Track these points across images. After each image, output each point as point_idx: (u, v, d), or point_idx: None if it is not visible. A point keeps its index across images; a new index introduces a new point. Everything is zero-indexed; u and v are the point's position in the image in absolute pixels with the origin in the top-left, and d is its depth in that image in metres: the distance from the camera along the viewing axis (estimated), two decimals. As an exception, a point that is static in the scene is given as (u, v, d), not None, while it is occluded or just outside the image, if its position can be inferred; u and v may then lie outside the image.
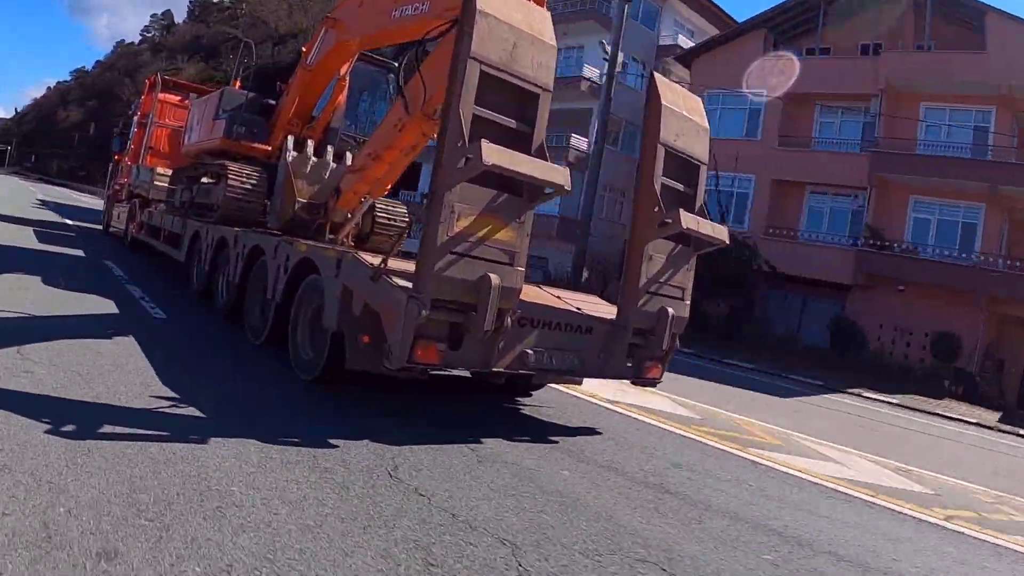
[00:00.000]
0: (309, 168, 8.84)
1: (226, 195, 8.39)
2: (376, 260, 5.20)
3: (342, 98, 9.82)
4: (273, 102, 9.99)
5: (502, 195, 4.60)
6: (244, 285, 7.33)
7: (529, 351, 5.09)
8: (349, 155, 9.23)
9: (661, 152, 5.86)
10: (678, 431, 6.81)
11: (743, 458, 6.22)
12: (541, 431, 5.74)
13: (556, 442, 5.40)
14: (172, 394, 4.67)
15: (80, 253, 12.56)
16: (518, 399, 6.79)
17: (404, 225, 9.79)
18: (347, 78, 9.63)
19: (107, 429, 3.79)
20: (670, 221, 5.81)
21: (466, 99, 4.36)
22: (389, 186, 7.86)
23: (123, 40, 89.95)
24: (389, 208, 9.48)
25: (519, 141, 4.67)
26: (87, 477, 3.10)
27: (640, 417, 7.05)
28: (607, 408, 7.19)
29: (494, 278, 4.52)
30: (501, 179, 4.51)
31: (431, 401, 6.06)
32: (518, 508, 3.75)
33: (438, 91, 6.45)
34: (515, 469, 4.45)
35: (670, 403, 8.22)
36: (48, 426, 3.62)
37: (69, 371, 4.75)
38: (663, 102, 5.90)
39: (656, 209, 5.80)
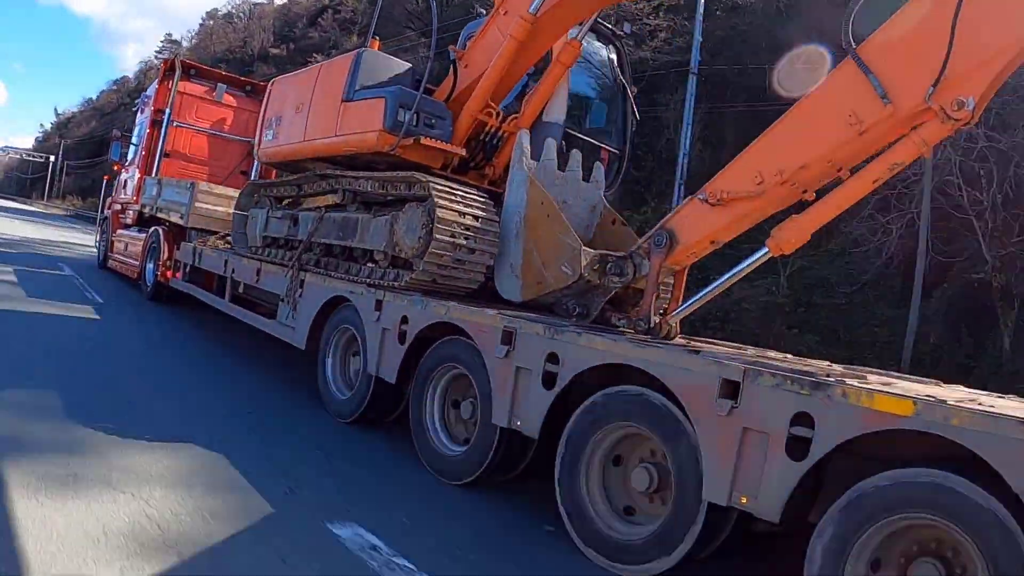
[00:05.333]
0: (555, 189, 4.90)
1: (436, 238, 4.34)
2: None
3: (567, 80, 5.89)
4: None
5: None
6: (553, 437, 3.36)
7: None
8: (599, 165, 5.41)
9: None
10: None
11: None
12: None
13: None
14: None
15: (92, 314, 8.26)
16: None
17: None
18: (582, 44, 5.72)
19: None
20: None
21: None
22: (808, 237, 3.97)
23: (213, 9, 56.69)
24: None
25: None
26: None
27: None
28: None
29: None
30: None
31: None
32: None
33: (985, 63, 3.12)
34: None
35: None
36: None
37: None
38: None
39: None
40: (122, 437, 3.91)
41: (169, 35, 68.40)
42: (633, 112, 6.66)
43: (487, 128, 5.73)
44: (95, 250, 14.33)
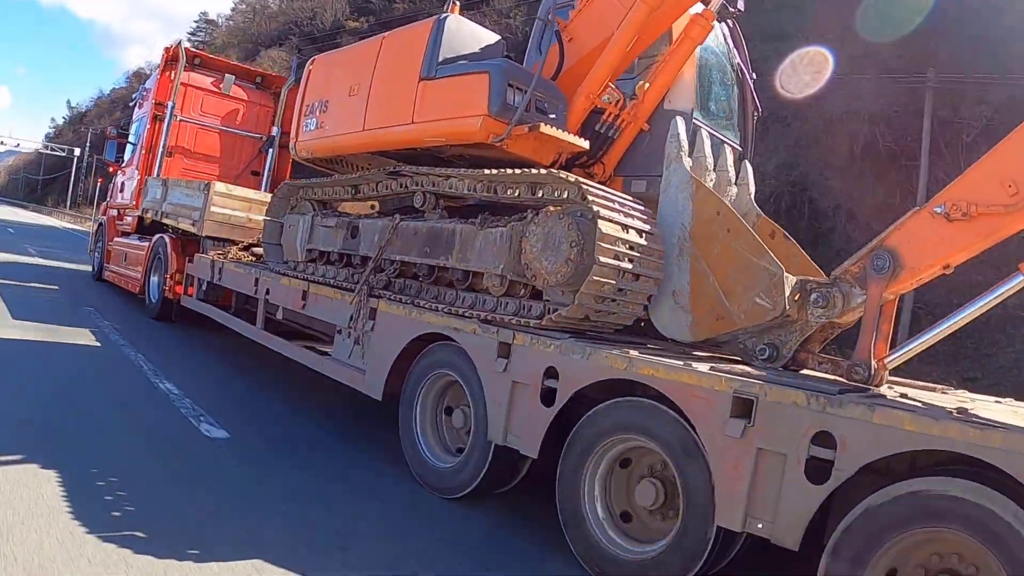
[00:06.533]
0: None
1: (599, 261, 3.20)
2: None
3: (693, 60, 4.78)
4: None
5: None
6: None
7: None
8: (747, 164, 4.37)
9: None
10: None
11: None
12: None
13: None
14: None
15: (91, 340, 7.00)
16: None
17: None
18: (714, 16, 4.63)
19: None
20: None
21: None
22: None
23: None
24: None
25: None
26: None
27: None
28: None
29: None
30: None
31: None
32: None
33: None
34: None
35: None
36: None
37: None
38: None
39: None
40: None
41: (204, 14, 61.05)
42: (754, 102, 5.58)
43: (604, 116, 4.62)
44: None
